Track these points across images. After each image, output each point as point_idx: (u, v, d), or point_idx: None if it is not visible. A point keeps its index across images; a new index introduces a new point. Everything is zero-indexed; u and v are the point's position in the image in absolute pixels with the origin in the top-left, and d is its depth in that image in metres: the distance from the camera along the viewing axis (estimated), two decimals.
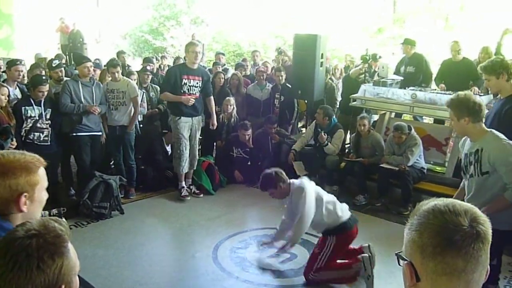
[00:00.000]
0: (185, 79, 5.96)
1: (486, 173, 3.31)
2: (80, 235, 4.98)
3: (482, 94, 6.20)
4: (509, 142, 3.27)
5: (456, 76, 6.71)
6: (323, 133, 6.51)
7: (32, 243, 1.16)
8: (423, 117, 7.48)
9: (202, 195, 6.37)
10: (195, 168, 6.44)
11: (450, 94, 6.17)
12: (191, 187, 6.44)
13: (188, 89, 5.99)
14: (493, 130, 3.37)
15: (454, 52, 6.88)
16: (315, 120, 6.96)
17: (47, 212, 5.17)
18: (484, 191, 3.37)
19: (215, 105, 7.26)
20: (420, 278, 1.09)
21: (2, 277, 1.14)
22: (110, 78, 6.27)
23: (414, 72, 7.19)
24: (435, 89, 6.79)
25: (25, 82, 6.02)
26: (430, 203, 1.12)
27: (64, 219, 1.27)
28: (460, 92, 3.43)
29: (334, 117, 6.90)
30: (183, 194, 6.24)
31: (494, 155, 3.26)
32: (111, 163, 6.88)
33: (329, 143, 6.53)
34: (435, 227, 1.06)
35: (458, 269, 1.04)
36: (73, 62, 8.42)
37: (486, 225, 1.08)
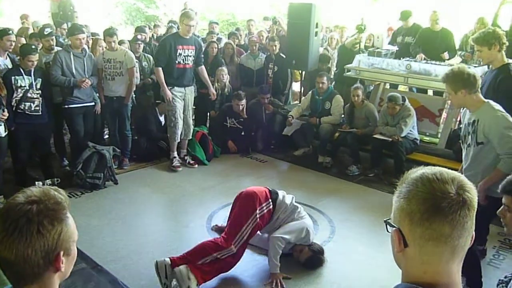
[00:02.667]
0: (180, 49, 5.90)
1: (481, 143, 3.41)
2: (74, 206, 4.94)
3: (476, 65, 6.19)
4: (503, 114, 3.32)
5: (433, 45, 6.75)
6: (315, 118, 6.70)
7: (32, 209, 1.17)
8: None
9: (196, 166, 6.38)
10: (190, 138, 6.43)
11: (445, 66, 6.16)
12: (185, 157, 6.45)
13: (183, 60, 5.95)
14: (490, 101, 3.43)
15: (433, 21, 6.91)
16: (311, 90, 6.95)
17: (41, 183, 5.21)
18: (479, 160, 3.49)
19: (209, 75, 7.22)
20: (408, 244, 1.12)
21: (3, 242, 1.16)
22: (101, 48, 6.17)
23: (412, 43, 7.15)
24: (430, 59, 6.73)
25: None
26: (418, 171, 1.15)
27: (63, 191, 1.28)
28: (453, 66, 3.51)
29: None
30: (175, 164, 6.24)
31: (488, 126, 3.34)
32: (104, 134, 6.87)
33: (322, 120, 6.63)
34: (423, 195, 1.09)
35: (445, 235, 1.08)
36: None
37: (472, 193, 1.11)
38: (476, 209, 1.11)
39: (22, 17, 10.33)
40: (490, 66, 4.37)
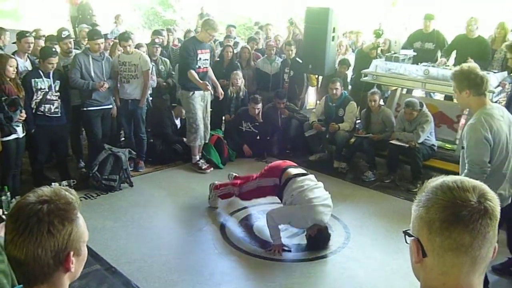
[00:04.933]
0: (200, 53, 5.99)
1: (463, 147, 3.39)
2: (90, 207, 5.04)
3: (496, 71, 6.10)
4: (480, 123, 3.20)
5: (469, 52, 6.58)
6: (333, 124, 6.58)
7: (43, 208, 1.17)
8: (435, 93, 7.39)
9: (210, 170, 6.36)
10: (207, 141, 6.48)
11: None
12: (200, 161, 6.45)
13: (202, 64, 6.04)
14: (488, 107, 3.29)
15: (470, 28, 6.70)
16: (325, 96, 6.91)
17: (57, 184, 5.27)
18: (462, 166, 3.44)
19: (224, 79, 7.26)
20: (427, 254, 1.08)
21: (13, 241, 1.16)
22: (120, 51, 6.23)
23: (433, 49, 7.03)
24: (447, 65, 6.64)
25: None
26: (439, 179, 1.11)
27: (74, 191, 1.28)
28: (464, 64, 3.40)
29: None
30: (203, 167, 6.31)
31: (465, 131, 3.32)
32: (120, 136, 6.91)
33: (340, 126, 6.54)
34: (443, 203, 1.05)
35: (465, 245, 1.04)
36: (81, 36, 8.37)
37: (494, 202, 1.06)
38: (498, 219, 1.07)
39: (116, 17, 11.06)
40: None
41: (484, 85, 3.24)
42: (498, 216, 1.07)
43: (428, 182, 1.13)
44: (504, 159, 3.33)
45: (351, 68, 7.92)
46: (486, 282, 3.43)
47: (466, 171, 3.29)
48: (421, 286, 1.13)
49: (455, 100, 7.05)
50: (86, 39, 6.16)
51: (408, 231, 1.15)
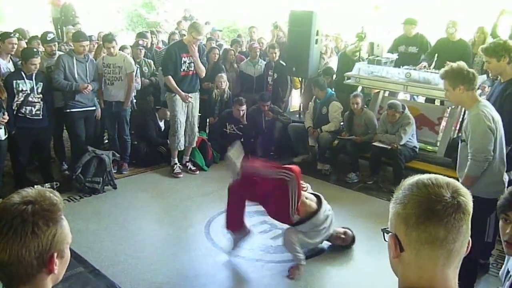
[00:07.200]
0: (184, 57, 5.94)
1: (463, 141, 3.47)
2: (73, 210, 5.00)
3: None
4: (484, 114, 3.32)
5: (450, 55, 6.67)
6: (318, 130, 6.67)
7: (27, 209, 1.17)
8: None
9: (198, 172, 6.38)
10: (194, 145, 6.44)
11: None
12: (187, 164, 6.45)
13: (187, 67, 6.00)
14: (483, 101, 3.44)
15: (449, 31, 6.79)
16: (314, 96, 6.97)
17: (39, 187, 5.20)
18: (462, 160, 3.52)
19: (209, 81, 7.26)
20: (404, 249, 1.13)
21: None
22: (105, 53, 6.21)
23: (416, 53, 7.12)
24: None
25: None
26: (414, 177, 1.17)
27: (57, 193, 1.28)
28: (453, 63, 3.49)
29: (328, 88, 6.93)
30: (176, 171, 6.24)
31: (469, 124, 3.39)
32: (104, 138, 6.88)
33: (323, 131, 6.60)
34: (418, 198, 1.11)
35: (440, 238, 1.08)
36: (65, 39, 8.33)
37: (467, 197, 1.12)
38: (471, 215, 1.12)
39: (178, 23, 11.24)
40: (499, 78, 4.19)
41: (476, 80, 3.38)
42: (471, 210, 1.12)
43: (404, 181, 1.18)
44: (501, 147, 3.47)
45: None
46: (473, 275, 3.46)
47: (470, 160, 3.38)
48: (399, 281, 1.17)
49: (436, 103, 7.21)
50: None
51: (386, 229, 1.19)
